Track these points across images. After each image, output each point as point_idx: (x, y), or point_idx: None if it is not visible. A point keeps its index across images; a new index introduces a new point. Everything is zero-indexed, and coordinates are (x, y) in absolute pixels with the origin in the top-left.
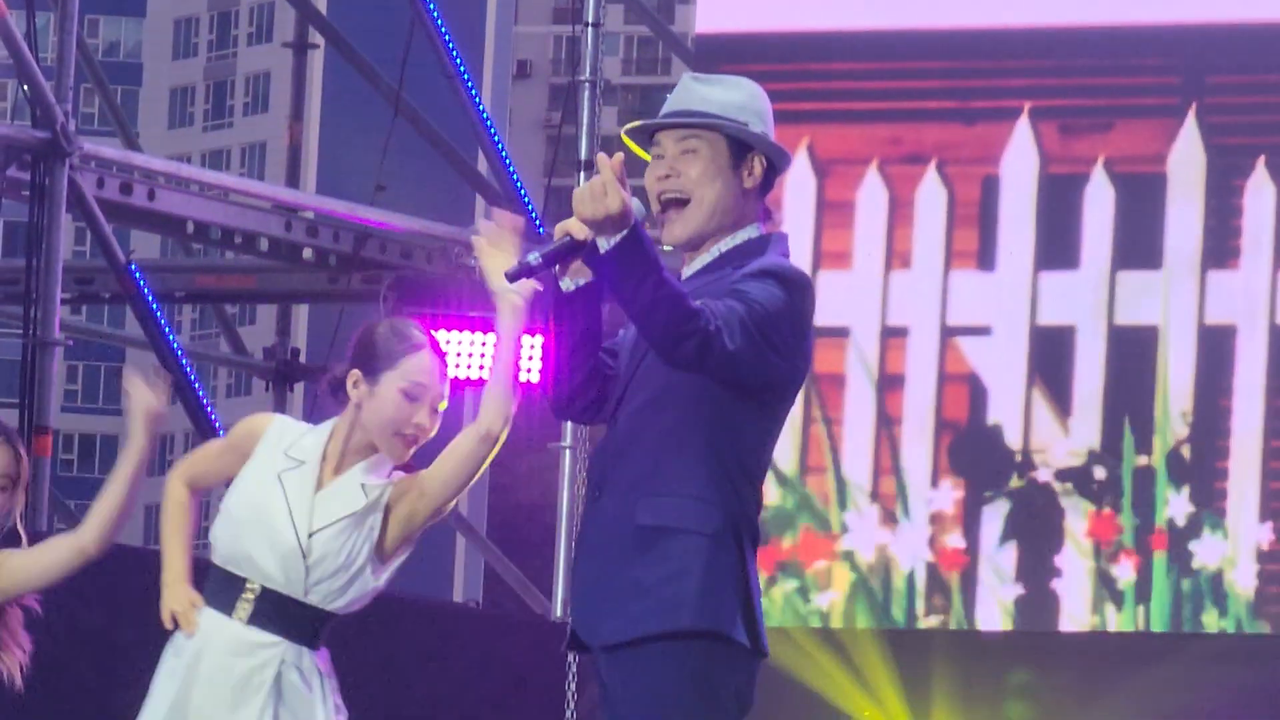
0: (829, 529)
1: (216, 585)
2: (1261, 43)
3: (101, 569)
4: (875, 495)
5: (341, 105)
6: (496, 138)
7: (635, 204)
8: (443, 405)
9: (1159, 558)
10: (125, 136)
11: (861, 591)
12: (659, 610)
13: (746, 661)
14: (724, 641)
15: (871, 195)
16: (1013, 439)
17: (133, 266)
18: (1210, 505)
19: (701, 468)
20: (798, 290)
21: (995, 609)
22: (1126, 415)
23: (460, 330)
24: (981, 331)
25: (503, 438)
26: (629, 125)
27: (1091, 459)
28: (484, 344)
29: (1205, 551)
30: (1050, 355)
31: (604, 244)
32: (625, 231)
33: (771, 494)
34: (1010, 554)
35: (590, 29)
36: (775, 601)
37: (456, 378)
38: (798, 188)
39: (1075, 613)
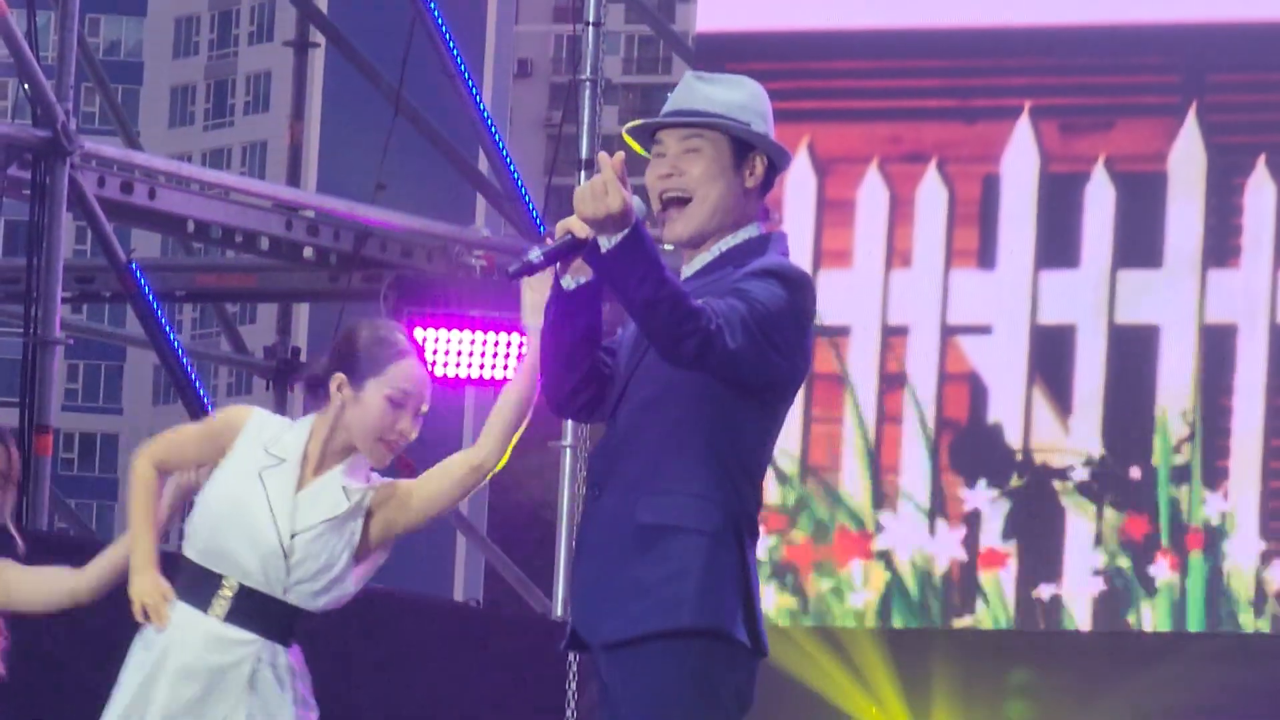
0: (864, 528)
1: (191, 580)
2: (1262, 42)
3: None
4: (878, 495)
5: (342, 104)
6: (497, 137)
7: (636, 202)
8: (424, 409)
9: (1195, 558)
10: (126, 135)
11: (897, 591)
12: (659, 609)
13: (747, 660)
14: (724, 640)
15: (872, 194)
16: (1013, 438)
17: (133, 265)
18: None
19: (702, 466)
20: (799, 289)
21: (1031, 608)
22: (1153, 413)
23: (460, 329)
24: (982, 330)
25: (495, 470)
26: (631, 124)
27: (1117, 459)
28: (484, 343)
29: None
30: (1051, 354)
31: (605, 243)
32: (626, 231)
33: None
34: (1011, 553)
35: (591, 28)
36: (810, 601)
37: (457, 376)
38: (798, 186)
39: (1096, 612)
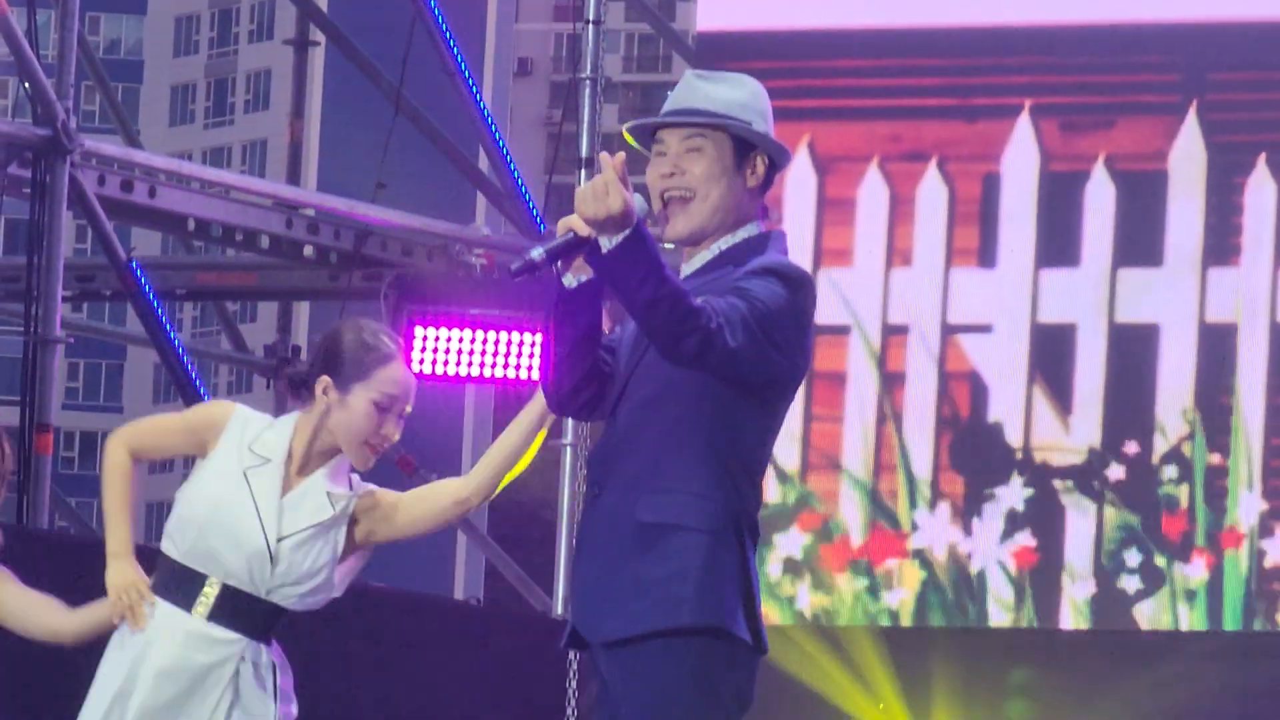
0: (899, 527)
1: (172, 579)
2: (1262, 40)
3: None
4: (874, 494)
5: (342, 103)
6: (497, 135)
7: (638, 201)
8: (408, 410)
9: (1230, 556)
10: (126, 134)
11: (932, 590)
12: (660, 607)
13: (747, 659)
14: (725, 639)
15: (872, 192)
16: (1013, 437)
17: (134, 264)
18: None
19: (702, 464)
20: (799, 288)
21: (1068, 608)
22: (1154, 412)
23: (461, 328)
24: (982, 329)
25: (477, 507)
26: (633, 123)
27: (1117, 458)
28: (484, 342)
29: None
30: (1051, 353)
31: (606, 243)
32: (627, 231)
33: (843, 491)
34: (1011, 552)
35: (591, 26)
36: (844, 600)
37: (458, 374)
38: (799, 185)
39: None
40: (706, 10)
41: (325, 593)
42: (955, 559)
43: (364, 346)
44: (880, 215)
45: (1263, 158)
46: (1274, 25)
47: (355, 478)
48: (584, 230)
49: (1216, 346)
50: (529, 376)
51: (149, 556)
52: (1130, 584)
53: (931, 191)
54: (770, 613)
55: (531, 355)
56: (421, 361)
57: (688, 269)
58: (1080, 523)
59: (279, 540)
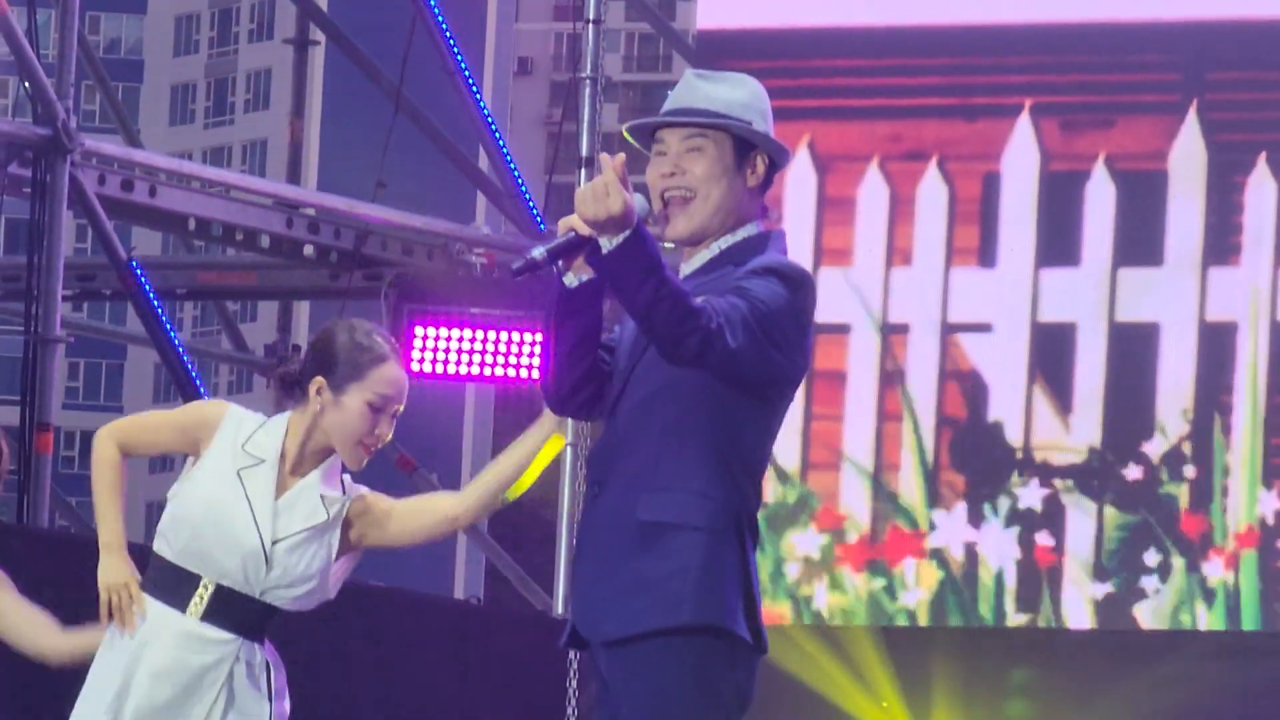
0: (916, 526)
1: (166, 579)
2: (1262, 39)
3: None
4: (874, 485)
5: (342, 102)
6: (498, 134)
7: (639, 201)
8: (400, 409)
9: (1248, 556)
10: (126, 133)
11: (949, 589)
12: (661, 606)
13: (747, 657)
14: (726, 637)
15: (872, 192)
16: (1013, 436)
17: (134, 263)
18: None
19: (702, 463)
20: (799, 287)
21: (1083, 607)
22: (1154, 412)
23: (461, 327)
24: (982, 328)
25: (466, 526)
26: (633, 122)
27: (1117, 457)
28: (484, 341)
29: None
30: (1051, 352)
31: (606, 244)
32: (627, 232)
33: (864, 491)
34: (1012, 551)
35: (591, 26)
36: (861, 599)
37: (458, 374)
38: (799, 184)
39: (1102, 613)
40: (706, 9)
41: (320, 595)
42: (1044, 558)
43: (358, 347)
44: (880, 214)
45: (1263, 157)
46: (1274, 24)
47: (348, 479)
48: (585, 230)
49: (1217, 346)
50: (529, 376)
51: (142, 555)
52: (1220, 584)
53: (931, 191)
54: (787, 613)
55: (531, 354)
56: (421, 361)
57: (687, 268)
58: (1081, 522)
59: (274, 543)
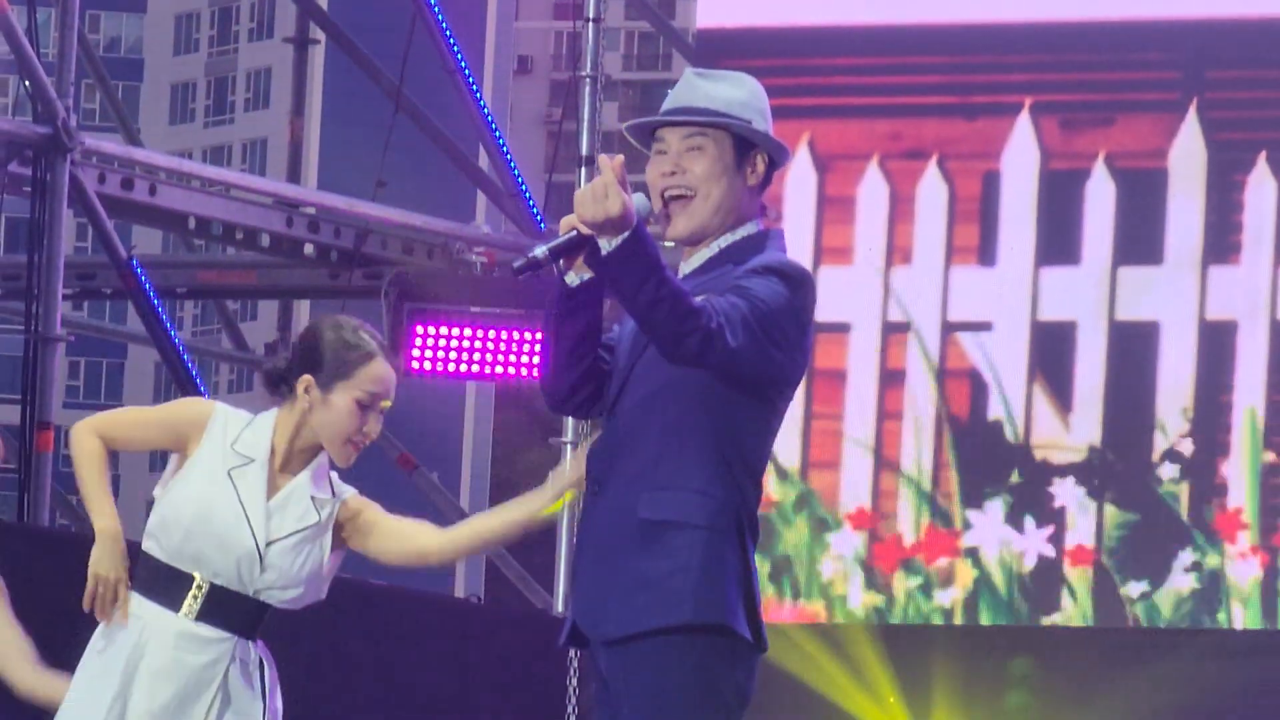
0: (951, 525)
1: (158, 579)
2: (1262, 38)
3: None
4: (965, 493)
5: (342, 101)
6: (497, 133)
7: (639, 200)
8: (388, 405)
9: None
10: (126, 132)
11: (984, 588)
12: (661, 604)
13: (747, 656)
14: (726, 636)
15: (872, 191)
16: (1013, 435)
17: (134, 262)
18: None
19: (703, 462)
20: (799, 286)
21: (1120, 606)
22: (1154, 410)
23: (461, 326)
24: (982, 327)
25: (436, 565)
26: (633, 121)
27: (1118, 455)
28: (484, 340)
29: None
30: (1051, 351)
31: (605, 245)
32: (627, 233)
33: (899, 490)
34: (1016, 552)
35: (591, 24)
36: (897, 598)
37: (458, 372)
38: (799, 183)
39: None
40: (706, 8)
41: (312, 596)
42: (1080, 557)
43: (345, 345)
44: (880, 213)
45: (1263, 155)
46: (1274, 22)
47: (335, 477)
48: (586, 229)
49: (1217, 345)
50: (529, 374)
51: (133, 554)
52: (1255, 584)
53: (931, 189)
54: (820, 612)
55: (531, 353)
56: (421, 359)
57: (687, 267)
58: (1081, 521)
59: (268, 544)
